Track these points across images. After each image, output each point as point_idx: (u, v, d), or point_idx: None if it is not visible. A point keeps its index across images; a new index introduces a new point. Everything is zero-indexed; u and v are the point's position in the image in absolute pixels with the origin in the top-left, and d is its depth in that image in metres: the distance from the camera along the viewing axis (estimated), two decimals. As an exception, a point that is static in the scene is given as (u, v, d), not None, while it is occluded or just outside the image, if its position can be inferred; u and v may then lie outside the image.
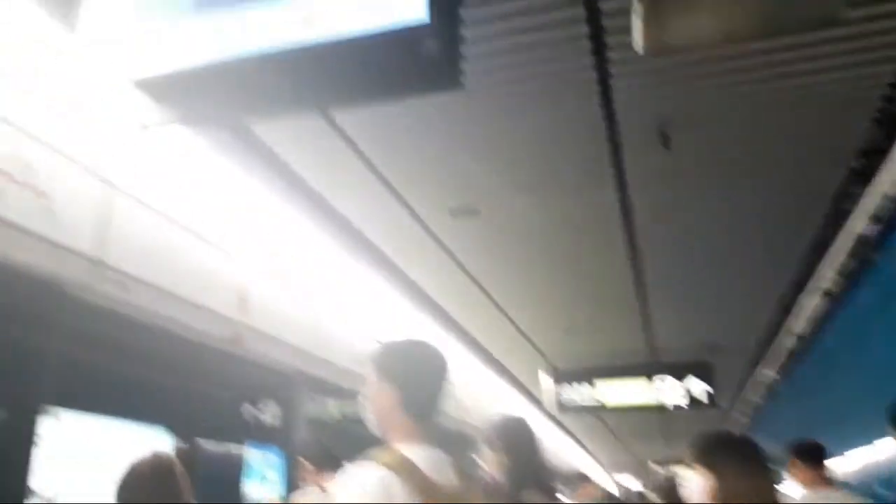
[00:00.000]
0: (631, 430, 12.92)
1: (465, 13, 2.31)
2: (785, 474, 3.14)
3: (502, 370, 8.38)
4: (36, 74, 2.38)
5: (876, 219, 4.01)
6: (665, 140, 3.22)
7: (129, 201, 2.82)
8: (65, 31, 2.31)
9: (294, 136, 3.25)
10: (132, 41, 1.92)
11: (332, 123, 3.09)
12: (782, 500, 1.84)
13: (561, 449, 12.67)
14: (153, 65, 1.92)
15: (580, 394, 7.49)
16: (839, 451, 9.31)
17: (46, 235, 2.39)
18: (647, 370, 7.40)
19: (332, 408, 4.72)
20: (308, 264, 4.29)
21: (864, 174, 3.61)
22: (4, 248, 2.29)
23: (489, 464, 2.13)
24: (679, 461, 6.23)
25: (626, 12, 2.43)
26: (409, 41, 1.82)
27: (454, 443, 1.99)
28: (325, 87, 1.99)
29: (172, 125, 2.03)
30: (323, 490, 3.12)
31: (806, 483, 2.94)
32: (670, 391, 7.25)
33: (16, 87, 2.30)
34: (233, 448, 3.96)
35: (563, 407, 7.56)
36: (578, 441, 14.43)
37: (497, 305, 5.93)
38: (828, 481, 2.93)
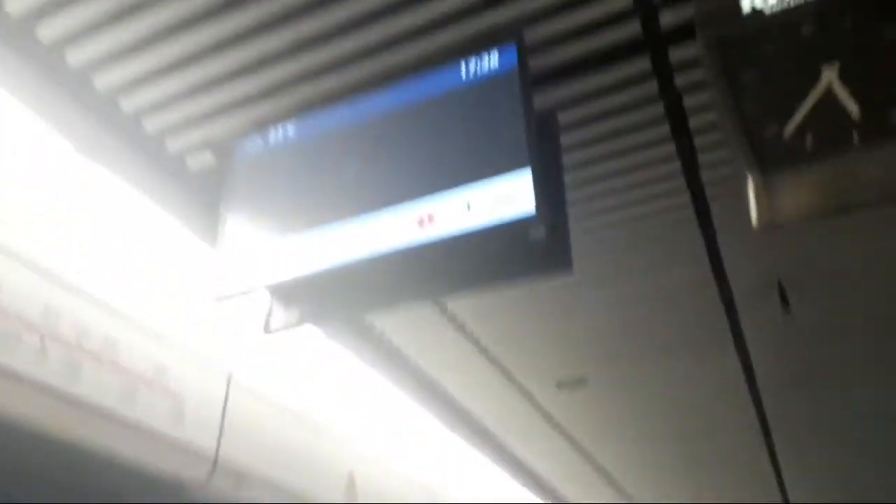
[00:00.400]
0: None
1: (569, 194, 2.37)
2: None
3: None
4: (178, 288, 2.60)
5: None
6: (784, 300, 3.07)
7: (245, 395, 2.90)
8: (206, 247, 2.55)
9: (400, 316, 3.32)
10: (261, 253, 2.06)
11: (440, 305, 3.16)
12: None
13: None
14: (278, 272, 2.04)
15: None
16: None
17: (174, 436, 2.46)
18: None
19: None
20: (414, 442, 4.21)
21: None
22: (135, 450, 2.37)
23: None
24: None
25: (728, 179, 2.44)
26: (519, 232, 1.87)
27: None
28: (437, 281, 2.05)
29: (293, 328, 2.11)
30: None
31: None
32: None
33: (161, 302, 2.51)
34: None
35: None
36: None
37: (610, 479, 5.53)
38: None
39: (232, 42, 2.04)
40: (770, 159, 1.79)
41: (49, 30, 1.99)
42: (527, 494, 5.39)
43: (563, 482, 5.51)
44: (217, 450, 2.68)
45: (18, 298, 2.02)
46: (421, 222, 1.92)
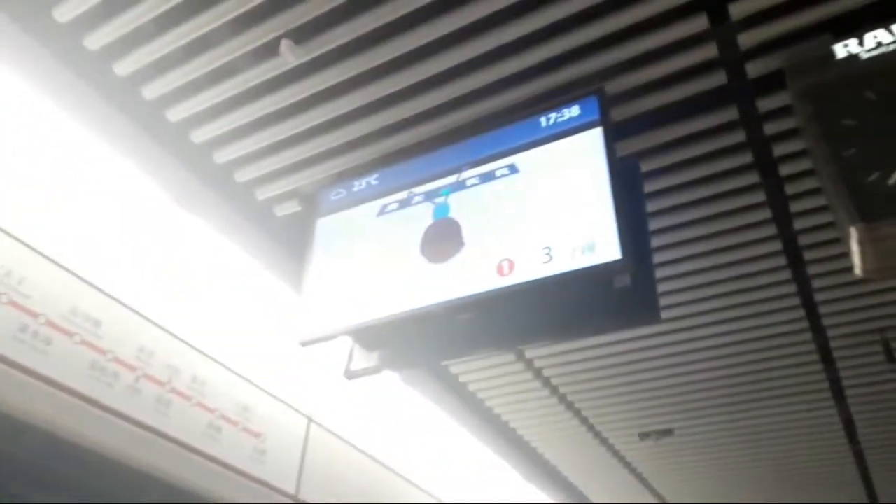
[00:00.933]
0: None
1: (655, 239, 2.31)
2: None
3: None
4: (264, 332, 2.69)
5: None
6: (888, 352, 2.86)
7: (325, 437, 2.93)
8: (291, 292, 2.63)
9: (480, 364, 3.30)
10: (343, 299, 2.10)
11: (520, 356, 3.12)
12: None
13: None
14: (359, 319, 2.07)
15: None
16: None
17: (256, 475, 2.51)
18: None
19: None
20: (493, 493, 4.14)
21: None
22: (218, 486, 2.42)
23: None
24: None
25: (823, 227, 2.32)
26: (603, 280, 1.82)
27: None
28: (516, 330, 2.02)
29: (372, 374, 2.13)
30: None
31: None
32: None
33: (247, 345, 2.60)
34: None
35: None
36: None
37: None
38: None
39: (316, 99, 2.13)
40: (873, 208, 1.69)
41: (152, 90, 2.13)
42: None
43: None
44: (297, 489, 2.72)
45: (115, 339, 2.13)
46: (500, 269, 1.91)
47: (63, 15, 1.93)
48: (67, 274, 2.06)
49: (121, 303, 2.20)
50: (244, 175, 2.38)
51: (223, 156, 2.31)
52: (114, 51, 2.04)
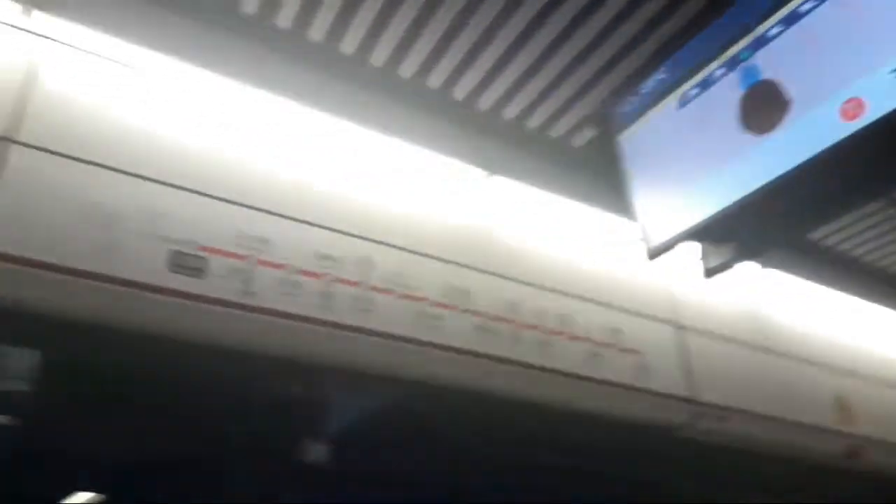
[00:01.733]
0: None
1: None
2: None
3: None
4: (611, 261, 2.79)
5: None
6: None
7: (702, 339, 2.91)
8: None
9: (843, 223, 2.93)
10: (676, 203, 2.05)
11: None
12: None
13: None
14: (699, 216, 2.00)
15: None
16: None
17: (645, 387, 2.62)
18: None
19: None
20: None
21: None
22: (606, 404, 2.58)
23: None
24: None
25: None
26: None
27: None
28: (879, 173, 1.75)
29: (730, 267, 2.04)
30: None
31: None
32: None
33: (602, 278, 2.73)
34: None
35: None
36: None
37: None
38: None
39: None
40: None
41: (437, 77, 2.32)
42: None
43: None
44: (690, 389, 2.76)
45: (486, 299, 2.40)
46: (845, 113, 1.67)
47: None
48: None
49: (495, 274, 2.47)
50: (534, 122, 2.46)
51: (510, 112, 2.42)
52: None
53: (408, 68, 2.34)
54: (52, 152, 1.75)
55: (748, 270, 3.10)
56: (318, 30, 2.21)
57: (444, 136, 2.55)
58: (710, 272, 2.07)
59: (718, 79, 1.94)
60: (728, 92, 1.91)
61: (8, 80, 1.77)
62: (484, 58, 2.21)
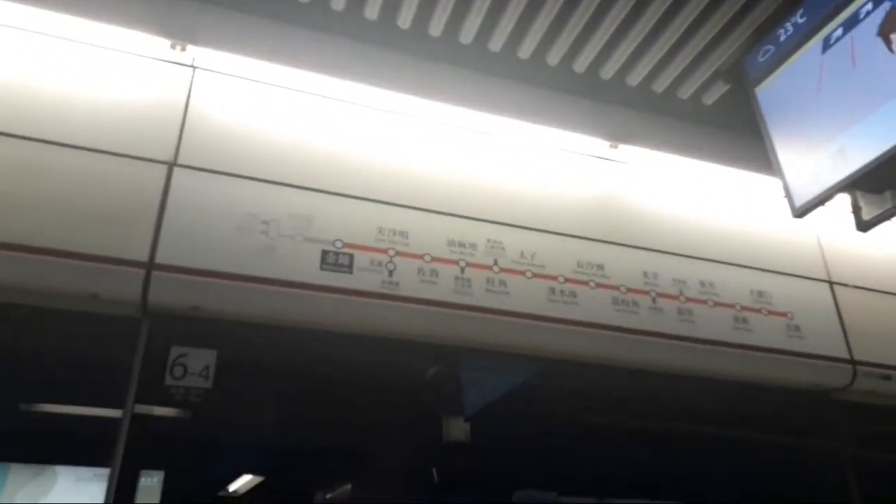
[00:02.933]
0: None
1: None
2: None
3: None
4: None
5: None
6: None
7: (859, 295, 2.73)
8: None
9: None
10: (823, 156, 1.92)
11: None
12: None
13: None
14: (849, 168, 1.87)
15: None
16: None
17: (798, 349, 2.50)
18: None
19: None
20: None
21: None
22: (758, 368, 2.49)
23: None
24: None
25: None
26: None
27: None
28: None
29: (888, 218, 1.90)
30: None
31: None
32: None
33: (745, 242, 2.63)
34: None
35: None
36: None
37: None
38: None
39: None
40: None
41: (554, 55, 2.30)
42: None
43: None
44: (849, 351, 2.60)
45: (624, 272, 2.37)
46: None
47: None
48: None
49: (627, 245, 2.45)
50: (660, 85, 2.39)
51: (634, 79, 2.36)
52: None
53: (526, 49, 2.34)
54: (209, 171, 1.92)
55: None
56: (436, 25, 2.26)
57: (569, 111, 2.54)
58: (865, 225, 1.92)
59: (868, 14, 1.78)
60: (883, 25, 1.75)
61: (168, 111, 1.96)
62: (603, 28, 2.17)
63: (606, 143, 2.53)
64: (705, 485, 2.80)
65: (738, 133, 2.49)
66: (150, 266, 1.72)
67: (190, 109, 1.99)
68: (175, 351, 1.79)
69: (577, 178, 2.49)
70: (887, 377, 2.67)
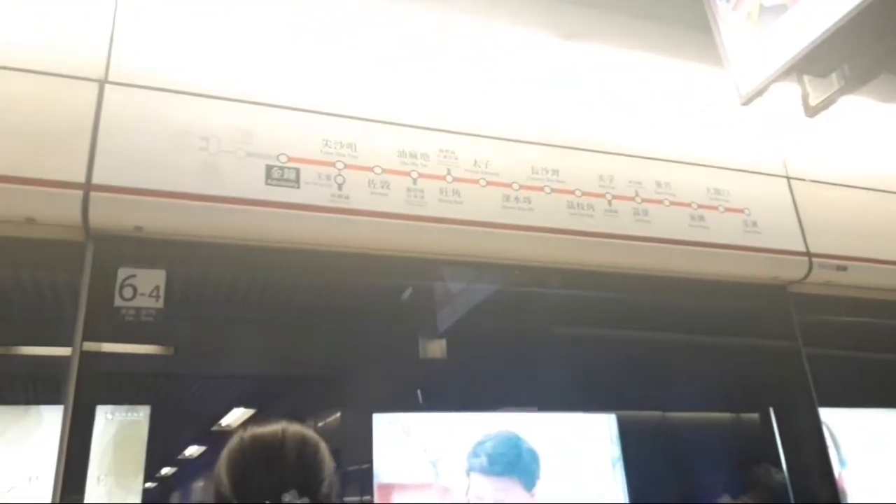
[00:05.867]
0: None
1: None
2: None
3: None
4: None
5: None
6: None
7: (812, 189, 2.75)
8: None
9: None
10: (771, 39, 1.89)
11: None
12: None
13: None
14: (794, 47, 1.83)
15: None
16: None
17: (754, 245, 2.53)
18: None
19: None
20: None
21: None
22: (715, 266, 2.51)
23: None
24: None
25: None
26: None
27: None
28: None
29: (834, 102, 1.88)
30: None
31: None
32: None
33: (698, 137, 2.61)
34: None
35: None
36: None
37: None
38: None
39: None
40: None
41: None
42: None
43: None
44: (805, 244, 2.64)
45: (579, 176, 2.36)
46: None
47: None
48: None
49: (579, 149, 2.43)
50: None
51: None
52: None
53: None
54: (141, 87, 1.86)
55: (854, 109, 2.85)
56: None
57: (521, 8, 2.47)
58: (813, 111, 1.91)
59: None
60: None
61: (96, 25, 1.88)
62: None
63: (559, 41, 2.48)
64: (666, 386, 2.89)
65: (693, 28, 2.44)
66: (87, 187, 1.69)
67: (117, 22, 1.90)
68: (123, 272, 1.78)
69: (530, 83, 2.45)
70: (843, 268, 2.72)
